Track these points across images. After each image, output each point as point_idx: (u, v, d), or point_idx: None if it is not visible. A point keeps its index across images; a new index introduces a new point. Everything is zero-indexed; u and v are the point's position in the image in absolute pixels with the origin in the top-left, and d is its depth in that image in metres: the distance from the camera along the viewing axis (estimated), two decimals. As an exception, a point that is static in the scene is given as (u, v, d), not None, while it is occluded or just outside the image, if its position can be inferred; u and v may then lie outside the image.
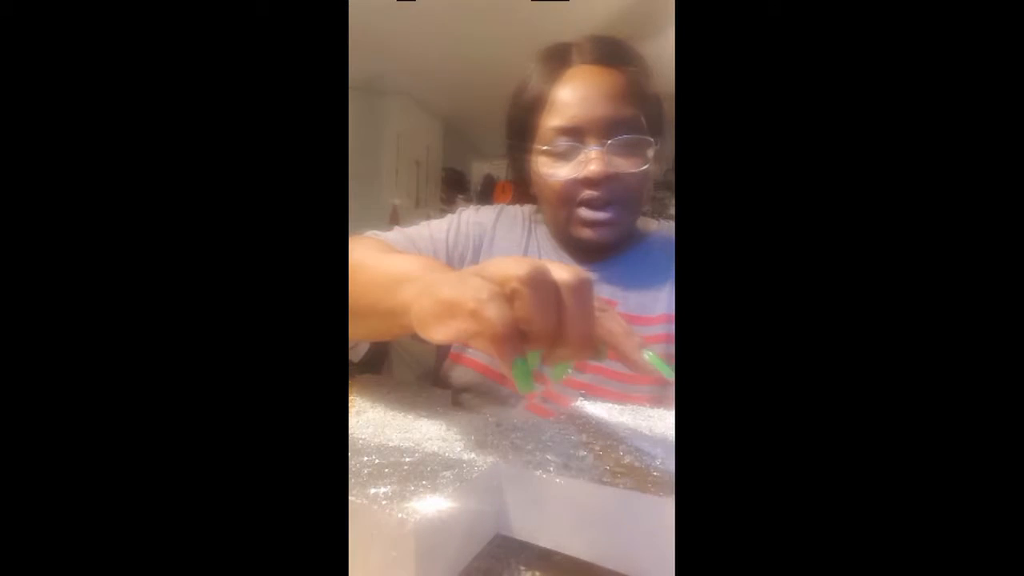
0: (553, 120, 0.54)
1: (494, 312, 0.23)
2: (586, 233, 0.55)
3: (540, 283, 0.24)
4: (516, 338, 0.24)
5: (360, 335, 0.40)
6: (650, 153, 0.54)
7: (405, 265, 0.37)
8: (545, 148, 0.54)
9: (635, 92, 0.54)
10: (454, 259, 0.59)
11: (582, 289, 0.25)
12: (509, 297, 0.24)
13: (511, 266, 0.25)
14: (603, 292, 0.58)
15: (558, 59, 0.56)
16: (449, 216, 0.63)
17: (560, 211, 0.56)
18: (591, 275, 0.26)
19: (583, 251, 0.59)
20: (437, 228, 0.60)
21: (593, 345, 0.26)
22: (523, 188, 0.62)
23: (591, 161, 0.52)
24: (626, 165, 0.53)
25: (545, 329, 0.24)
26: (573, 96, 0.53)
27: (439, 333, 0.26)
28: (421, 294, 0.28)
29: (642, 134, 0.53)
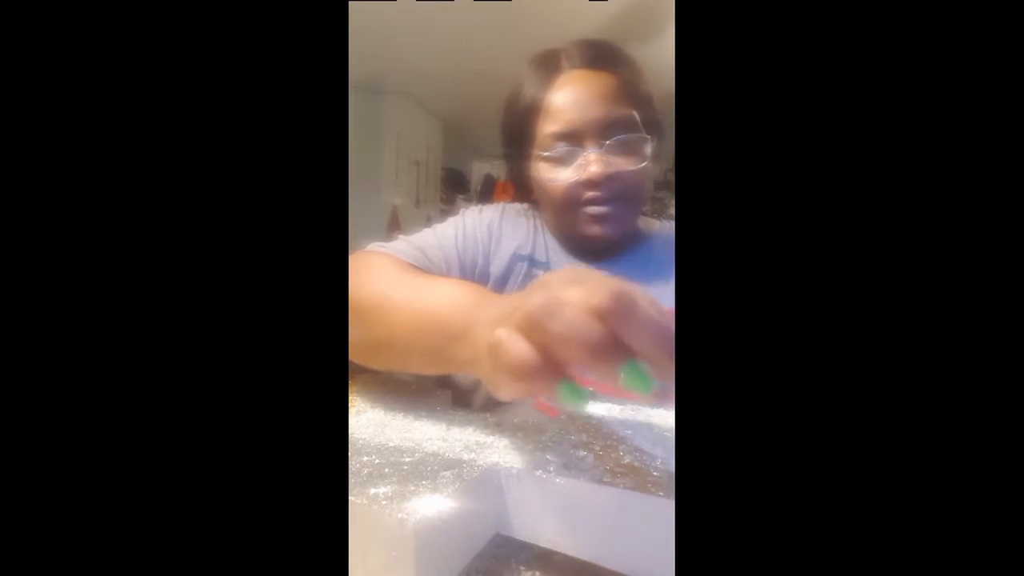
0: (550, 126, 0.55)
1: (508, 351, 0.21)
2: (593, 230, 0.55)
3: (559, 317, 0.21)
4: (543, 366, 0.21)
5: (396, 368, 0.38)
6: (647, 150, 0.55)
7: (446, 301, 0.33)
8: (545, 154, 0.55)
9: (627, 92, 0.55)
10: (466, 264, 0.58)
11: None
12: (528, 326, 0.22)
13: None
14: None
15: (549, 66, 0.57)
16: (453, 219, 0.63)
17: (564, 214, 0.57)
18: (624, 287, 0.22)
19: (588, 250, 0.60)
20: (443, 234, 0.59)
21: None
22: (523, 189, 0.62)
23: (591, 163, 0.53)
24: (625, 163, 0.54)
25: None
26: (567, 101, 0.54)
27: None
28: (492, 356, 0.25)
29: (638, 132, 0.54)
